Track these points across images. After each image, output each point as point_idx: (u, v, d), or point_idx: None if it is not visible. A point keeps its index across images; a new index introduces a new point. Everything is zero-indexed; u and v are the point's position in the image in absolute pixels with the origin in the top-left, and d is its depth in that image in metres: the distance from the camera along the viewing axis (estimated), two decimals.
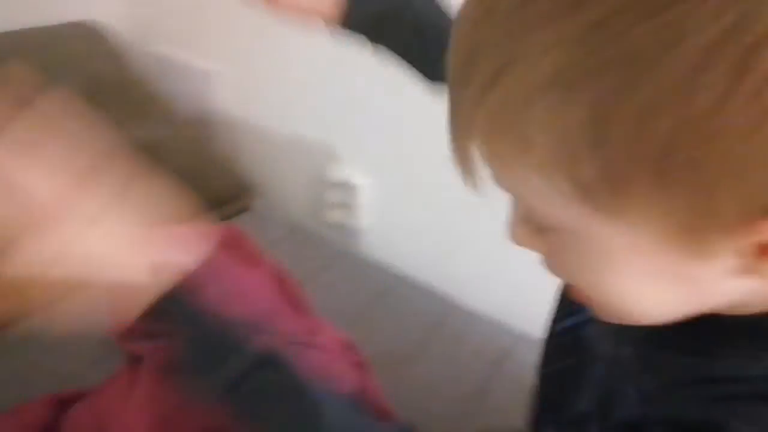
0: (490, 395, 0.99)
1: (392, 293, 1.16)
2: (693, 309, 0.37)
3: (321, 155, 1.32)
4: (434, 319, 1.12)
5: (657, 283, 0.35)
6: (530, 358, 1.00)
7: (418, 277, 1.28)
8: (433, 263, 1.30)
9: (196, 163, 1.25)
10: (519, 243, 0.40)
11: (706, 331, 0.38)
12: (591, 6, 0.28)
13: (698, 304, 0.37)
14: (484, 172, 0.36)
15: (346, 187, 1.30)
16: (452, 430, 0.92)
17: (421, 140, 1.18)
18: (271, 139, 1.35)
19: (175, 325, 0.45)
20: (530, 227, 0.38)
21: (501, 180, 0.36)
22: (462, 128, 0.35)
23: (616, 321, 0.40)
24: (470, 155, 0.35)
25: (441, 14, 0.65)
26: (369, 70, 1.15)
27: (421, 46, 0.65)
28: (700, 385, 0.39)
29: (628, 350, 0.44)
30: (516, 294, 1.21)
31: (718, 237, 0.31)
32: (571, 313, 0.53)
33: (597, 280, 0.37)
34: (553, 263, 0.39)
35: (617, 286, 0.36)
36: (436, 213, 1.27)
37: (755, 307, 0.37)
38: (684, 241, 0.32)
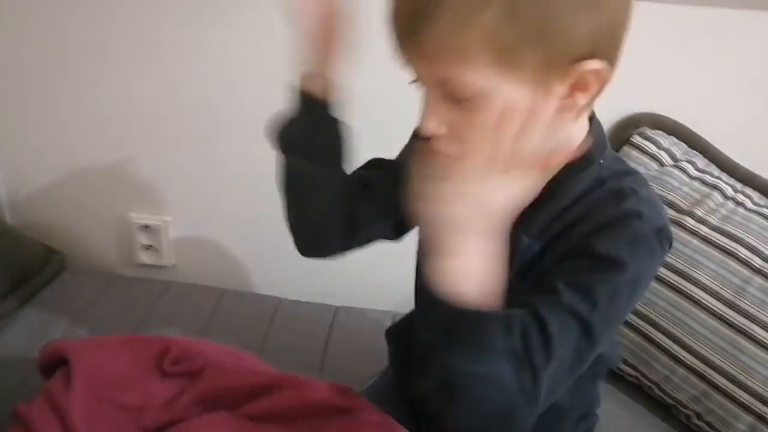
0: (329, 357, 1.19)
1: (221, 306, 1.31)
2: (539, 152, 0.59)
3: (120, 204, 1.40)
4: (268, 314, 1.29)
5: (526, 127, 0.57)
6: (351, 322, 1.24)
7: (237, 288, 1.43)
8: (251, 273, 1.46)
9: None
10: (431, 127, 0.60)
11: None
12: None
13: (543, 144, 0.59)
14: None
15: (150, 229, 1.40)
16: None
17: (214, 171, 1.34)
18: (66, 199, 1.40)
19: None
20: (446, 105, 0.58)
21: (437, 68, 0.57)
22: (415, 31, 0.56)
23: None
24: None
25: None
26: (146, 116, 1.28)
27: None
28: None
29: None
30: (327, 276, 1.42)
31: (557, 79, 0.56)
32: None
33: (498, 127, 0.56)
34: (456, 132, 0.59)
35: (505, 131, 0.56)
36: (239, 232, 1.42)
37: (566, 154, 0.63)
38: (542, 87, 0.56)
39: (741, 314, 1.02)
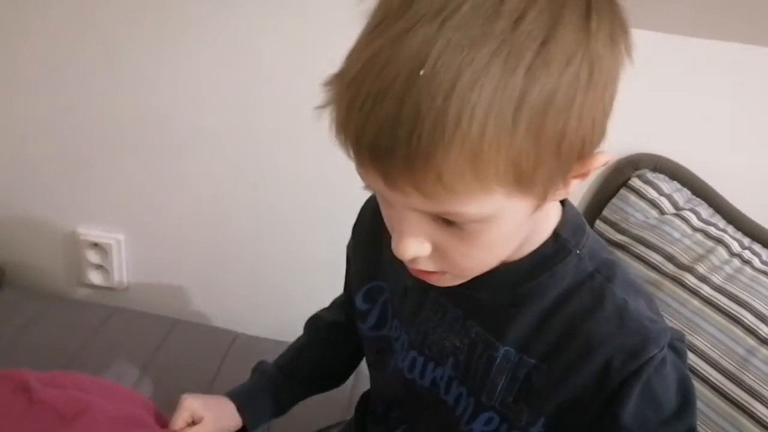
0: None
1: (172, 337, 1.19)
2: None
3: (68, 218, 1.29)
4: (222, 350, 1.17)
5: (517, 234, 0.52)
6: None
7: (192, 318, 1.32)
8: (209, 303, 1.35)
9: None
10: (412, 250, 0.51)
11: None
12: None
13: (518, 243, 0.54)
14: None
15: (99, 247, 1.29)
16: None
17: (175, 189, 1.24)
18: (9, 210, 1.29)
19: None
20: (432, 226, 0.49)
21: (440, 201, 0.45)
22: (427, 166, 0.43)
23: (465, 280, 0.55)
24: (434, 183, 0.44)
25: None
26: (101, 129, 1.18)
27: None
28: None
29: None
30: (289, 312, 1.31)
31: (563, 182, 0.50)
32: None
33: (491, 247, 0.51)
34: (442, 251, 0.51)
35: (500, 246, 0.52)
36: (199, 257, 1.32)
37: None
38: (546, 194, 0.49)
39: (743, 389, 0.90)
